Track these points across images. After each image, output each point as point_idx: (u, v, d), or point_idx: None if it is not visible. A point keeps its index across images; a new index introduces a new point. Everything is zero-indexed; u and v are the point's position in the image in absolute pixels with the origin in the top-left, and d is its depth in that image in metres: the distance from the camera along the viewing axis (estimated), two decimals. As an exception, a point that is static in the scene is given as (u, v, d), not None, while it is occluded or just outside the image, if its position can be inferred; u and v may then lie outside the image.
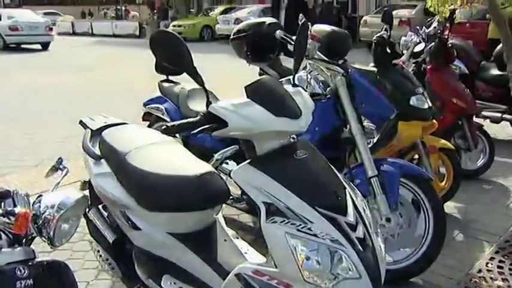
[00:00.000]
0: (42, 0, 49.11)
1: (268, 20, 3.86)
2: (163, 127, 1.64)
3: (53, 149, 5.46)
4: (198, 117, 1.67)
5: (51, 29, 19.76)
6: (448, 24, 4.62)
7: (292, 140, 1.80)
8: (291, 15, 5.22)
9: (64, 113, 7.27)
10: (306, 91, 2.05)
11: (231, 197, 2.88)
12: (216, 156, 2.92)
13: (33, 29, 18.92)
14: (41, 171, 4.67)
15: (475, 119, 4.63)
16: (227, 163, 2.93)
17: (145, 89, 4.43)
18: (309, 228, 1.60)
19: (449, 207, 3.81)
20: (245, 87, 1.74)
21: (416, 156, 3.64)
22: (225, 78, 7.83)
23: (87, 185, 2.52)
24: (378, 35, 3.58)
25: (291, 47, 2.74)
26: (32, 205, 1.60)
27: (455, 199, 3.86)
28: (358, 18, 18.82)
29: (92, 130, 2.54)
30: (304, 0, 6.61)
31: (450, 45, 4.58)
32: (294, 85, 1.92)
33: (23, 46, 19.05)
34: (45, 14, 44.47)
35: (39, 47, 19.19)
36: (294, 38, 2.47)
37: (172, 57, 1.62)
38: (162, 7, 28.95)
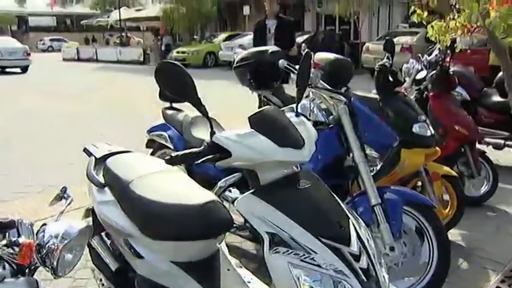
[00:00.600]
0: (49, 28, 49.97)
1: (271, 48, 3.91)
2: (167, 157, 1.65)
3: (56, 175, 5.47)
4: (202, 147, 1.68)
5: (28, 54, 21.77)
6: (449, 52, 4.67)
7: (295, 169, 1.81)
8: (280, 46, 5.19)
9: (67, 138, 7.31)
10: (309, 119, 2.07)
11: (234, 225, 2.88)
12: (220, 183, 2.93)
13: (12, 54, 20.95)
14: (45, 197, 4.69)
15: (477, 145, 4.64)
16: (230, 191, 2.94)
17: (149, 113, 4.47)
18: (313, 259, 1.60)
19: (454, 234, 3.79)
20: (249, 118, 1.75)
21: (420, 184, 3.64)
22: (228, 105, 7.90)
23: (90, 212, 2.52)
24: (380, 63, 3.62)
25: (294, 76, 2.77)
26: (36, 234, 1.60)
27: (459, 226, 3.83)
28: (360, 44, 18.98)
29: (96, 158, 2.55)
30: (292, 33, 6.61)
31: (452, 72, 4.62)
32: (297, 114, 1.94)
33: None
34: (51, 40, 45.39)
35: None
36: (297, 67, 2.50)
37: (176, 87, 1.64)
38: (166, 34, 29.32)
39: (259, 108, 4.81)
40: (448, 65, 4.61)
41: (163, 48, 26.38)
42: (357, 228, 1.77)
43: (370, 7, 20.28)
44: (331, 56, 3.76)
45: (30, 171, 5.78)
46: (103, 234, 2.45)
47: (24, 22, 51.49)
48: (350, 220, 1.76)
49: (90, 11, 48.96)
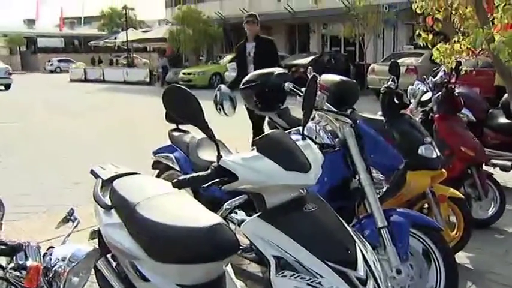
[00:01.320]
0: (57, 48, 50.59)
1: (277, 70, 3.94)
2: (175, 180, 1.66)
3: (62, 195, 5.50)
4: (209, 171, 1.70)
5: (10, 74, 24.26)
6: (454, 73, 4.69)
7: (301, 193, 1.82)
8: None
9: (72, 158, 7.35)
10: (315, 142, 2.07)
11: (240, 247, 2.87)
12: (225, 205, 2.92)
13: None
14: (50, 217, 4.72)
15: (484, 167, 4.62)
16: (236, 212, 2.94)
17: (154, 134, 4.50)
18: (319, 283, 1.59)
19: (461, 257, 3.75)
20: (255, 141, 1.77)
21: (426, 206, 3.62)
22: (233, 125, 7.92)
23: (96, 234, 2.52)
24: (386, 85, 3.64)
25: (300, 99, 2.79)
26: (43, 257, 1.61)
27: (467, 249, 3.80)
28: (366, 66, 19.07)
29: (102, 180, 2.56)
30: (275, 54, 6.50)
31: (457, 94, 4.63)
32: (304, 137, 1.95)
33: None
34: (59, 61, 45.89)
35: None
36: (303, 89, 2.52)
37: (184, 111, 1.66)
38: (173, 55, 29.61)
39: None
40: (453, 86, 4.62)
41: (160, 70, 26.39)
42: (364, 251, 1.76)
43: (375, 29, 20.40)
44: (337, 77, 3.78)
45: (36, 191, 5.79)
46: (109, 256, 2.45)
47: (33, 43, 52.16)
48: (356, 243, 1.76)
49: (97, 32, 49.54)
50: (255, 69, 5.72)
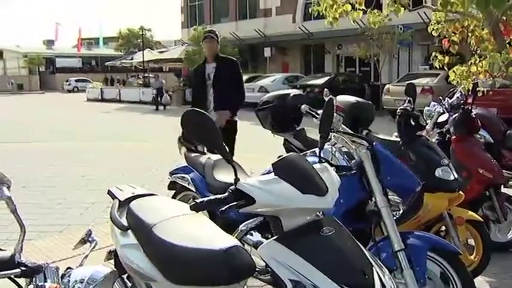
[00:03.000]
0: (74, 68, 51.47)
1: (293, 91, 3.97)
2: (192, 203, 1.67)
3: (79, 215, 5.54)
4: (227, 194, 1.71)
5: None
6: (470, 93, 4.66)
7: (318, 216, 1.82)
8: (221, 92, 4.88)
9: (91, 178, 7.42)
10: (331, 164, 2.07)
11: (256, 270, 2.86)
12: (241, 227, 2.92)
13: None
14: (66, 237, 4.76)
15: (502, 189, 4.56)
16: (251, 234, 2.93)
17: (169, 154, 4.54)
18: (336, 307, 1.58)
19: (480, 281, 3.68)
20: (272, 164, 1.78)
21: (443, 228, 3.58)
22: (250, 146, 7.95)
23: (112, 254, 2.53)
24: (402, 107, 3.63)
25: (316, 121, 2.80)
26: (61, 278, 1.62)
27: (486, 273, 3.73)
28: (381, 86, 19.05)
29: (119, 200, 2.58)
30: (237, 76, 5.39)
31: (474, 115, 4.60)
32: (320, 160, 1.95)
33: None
34: (76, 81, 46.64)
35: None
36: (319, 111, 2.53)
37: (202, 135, 1.68)
38: (189, 75, 29.88)
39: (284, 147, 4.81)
40: (470, 107, 4.60)
41: (154, 92, 26.02)
42: (381, 276, 1.75)
43: (390, 49, 20.42)
44: (352, 98, 3.80)
45: (53, 211, 5.84)
46: (124, 276, 2.45)
47: (52, 63, 53.13)
48: (374, 268, 1.74)
49: (114, 52, 50.31)
50: (215, 95, 5.14)
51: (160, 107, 24.98)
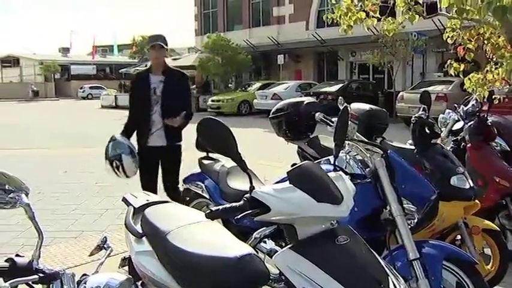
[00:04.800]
0: (88, 75, 51.98)
1: (307, 99, 3.97)
2: (208, 211, 1.68)
3: (93, 221, 5.59)
4: (242, 202, 1.71)
5: None
6: (486, 101, 4.62)
7: (333, 224, 1.81)
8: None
9: (106, 185, 7.47)
10: (345, 172, 2.07)
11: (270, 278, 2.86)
12: (255, 234, 2.91)
13: None
14: (81, 243, 4.79)
15: (519, 198, 4.50)
16: (265, 242, 2.93)
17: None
18: (351, 317, 1.57)
19: (497, 292, 3.64)
20: (287, 173, 1.78)
21: (459, 237, 3.54)
22: (264, 152, 7.95)
23: (126, 261, 2.55)
24: (417, 115, 3.61)
25: (331, 129, 2.80)
26: (77, 285, 1.64)
27: (504, 284, 3.68)
28: (395, 93, 18.96)
29: (134, 207, 2.60)
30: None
31: (490, 122, 4.55)
32: (335, 169, 1.95)
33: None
34: (91, 87, 47.08)
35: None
36: (334, 119, 2.53)
37: (218, 143, 1.69)
38: (202, 82, 29.99)
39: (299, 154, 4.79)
40: (486, 115, 4.56)
41: None
42: (396, 285, 1.74)
43: (404, 56, 20.33)
44: (366, 106, 3.78)
45: (68, 217, 5.89)
46: (139, 283, 2.46)
47: (67, 70, 53.68)
48: (389, 277, 1.73)
49: (128, 59, 50.69)
50: (162, 113, 4.32)
51: None
